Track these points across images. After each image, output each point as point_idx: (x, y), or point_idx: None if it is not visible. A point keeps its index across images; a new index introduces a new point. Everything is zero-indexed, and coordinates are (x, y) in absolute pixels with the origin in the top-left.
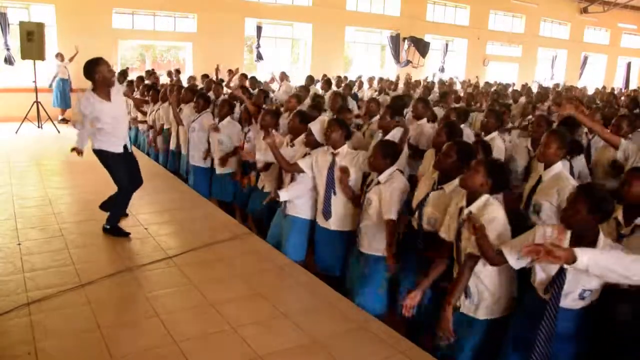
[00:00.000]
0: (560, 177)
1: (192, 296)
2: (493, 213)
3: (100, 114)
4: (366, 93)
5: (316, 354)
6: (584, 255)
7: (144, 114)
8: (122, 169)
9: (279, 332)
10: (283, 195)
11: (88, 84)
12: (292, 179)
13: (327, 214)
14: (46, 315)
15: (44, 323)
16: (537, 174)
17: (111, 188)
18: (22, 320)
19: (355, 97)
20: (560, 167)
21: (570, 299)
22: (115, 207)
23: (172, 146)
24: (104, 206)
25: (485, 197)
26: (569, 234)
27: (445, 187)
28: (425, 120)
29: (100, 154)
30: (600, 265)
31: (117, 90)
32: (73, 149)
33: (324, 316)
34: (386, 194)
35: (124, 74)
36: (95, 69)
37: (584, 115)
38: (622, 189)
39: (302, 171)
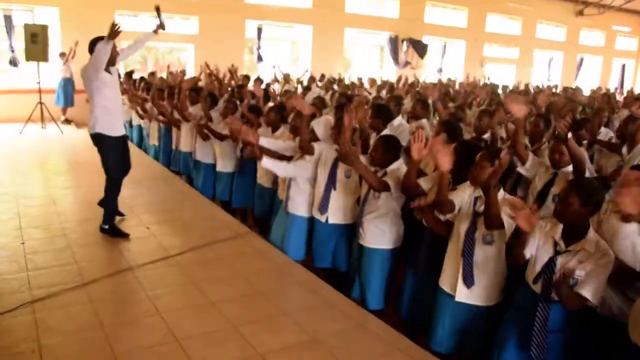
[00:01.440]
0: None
1: (193, 295)
2: None
3: (104, 82)
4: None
5: (316, 351)
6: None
7: (144, 111)
8: (115, 157)
9: (279, 330)
10: (265, 162)
11: None
12: (289, 180)
13: (323, 209)
14: (49, 313)
15: (48, 321)
16: (546, 173)
17: None
18: (26, 318)
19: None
20: (571, 168)
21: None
22: (107, 200)
23: (174, 146)
24: (102, 203)
25: (501, 193)
26: (560, 227)
27: (459, 188)
28: (425, 120)
29: (100, 138)
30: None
31: (115, 71)
32: None
33: (324, 314)
34: (391, 173)
35: (129, 75)
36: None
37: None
38: None
39: (313, 153)
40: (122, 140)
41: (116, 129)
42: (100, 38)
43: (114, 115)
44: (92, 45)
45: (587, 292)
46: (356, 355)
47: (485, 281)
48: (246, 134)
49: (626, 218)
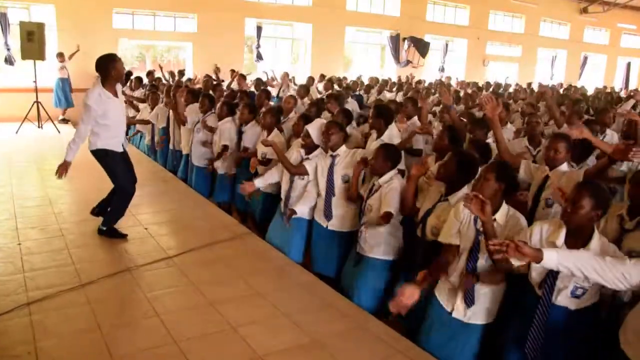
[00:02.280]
0: (570, 172)
1: (192, 296)
2: (522, 222)
3: (109, 110)
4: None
5: (316, 353)
6: (552, 254)
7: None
8: (123, 170)
9: (278, 331)
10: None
11: (87, 84)
12: (290, 189)
13: (328, 216)
14: (46, 315)
15: (44, 323)
16: (541, 173)
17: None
18: (22, 320)
19: (360, 98)
20: (566, 166)
21: (564, 296)
22: (114, 210)
23: (171, 146)
24: (95, 211)
25: (505, 207)
26: (564, 230)
27: (450, 199)
28: (416, 118)
29: (103, 154)
30: (569, 265)
31: (119, 87)
32: (60, 169)
33: (324, 316)
34: (386, 194)
35: (128, 75)
36: (114, 65)
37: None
38: (630, 191)
39: (307, 173)
40: (124, 153)
41: (117, 146)
42: (114, 57)
43: (116, 133)
44: (106, 62)
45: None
46: (356, 357)
47: (484, 301)
48: (244, 190)
49: None
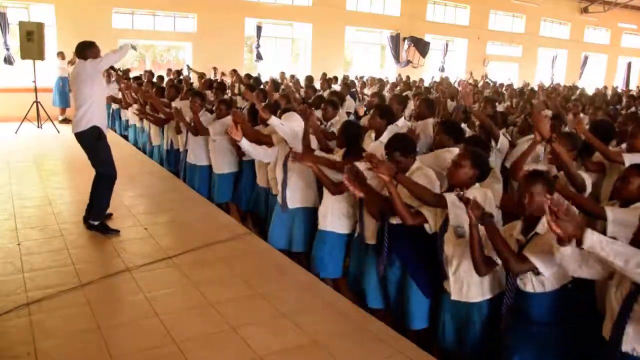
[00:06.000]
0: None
1: (191, 296)
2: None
3: (100, 77)
4: (367, 92)
5: (316, 354)
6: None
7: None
8: (109, 153)
9: (278, 332)
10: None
11: None
12: (285, 177)
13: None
14: (46, 315)
15: (44, 323)
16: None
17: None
18: (22, 321)
19: (353, 96)
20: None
21: (530, 283)
22: (100, 201)
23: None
24: (88, 219)
25: (476, 186)
26: (519, 223)
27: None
28: (431, 120)
29: (96, 134)
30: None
31: None
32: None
33: (324, 316)
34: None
35: (125, 74)
36: (95, 50)
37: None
38: (620, 185)
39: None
40: None
41: (104, 127)
42: (94, 44)
43: (104, 110)
44: (90, 47)
45: (536, 260)
46: (356, 357)
47: (472, 275)
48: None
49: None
